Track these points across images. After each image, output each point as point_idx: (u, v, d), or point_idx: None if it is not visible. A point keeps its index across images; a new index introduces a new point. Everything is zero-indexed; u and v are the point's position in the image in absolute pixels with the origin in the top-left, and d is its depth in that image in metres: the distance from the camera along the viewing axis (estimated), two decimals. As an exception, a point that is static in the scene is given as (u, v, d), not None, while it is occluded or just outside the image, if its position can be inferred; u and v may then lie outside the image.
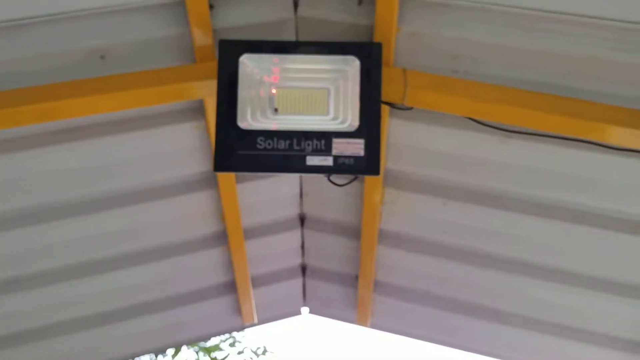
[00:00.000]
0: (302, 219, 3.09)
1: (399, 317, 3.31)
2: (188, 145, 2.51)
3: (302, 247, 3.20)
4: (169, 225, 2.78)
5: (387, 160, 2.60)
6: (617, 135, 2.08)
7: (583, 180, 2.42)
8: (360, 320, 3.39)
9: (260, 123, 1.97)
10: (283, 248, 3.17)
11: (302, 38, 2.23)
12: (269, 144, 1.94)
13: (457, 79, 2.19)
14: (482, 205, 2.63)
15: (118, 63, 2.13)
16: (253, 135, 1.95)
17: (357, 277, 3.16)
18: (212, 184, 2.66)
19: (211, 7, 2.12)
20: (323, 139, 1.94)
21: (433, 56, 2.20)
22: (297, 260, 3.27)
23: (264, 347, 6.88)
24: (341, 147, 1.94)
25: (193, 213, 2.76)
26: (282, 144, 1.94)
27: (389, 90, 2.11)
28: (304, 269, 3.34)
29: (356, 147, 1.93)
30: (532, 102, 2.09)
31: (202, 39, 2.13)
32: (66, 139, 2.31)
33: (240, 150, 1.94)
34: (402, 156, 2.58)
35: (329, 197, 2.89)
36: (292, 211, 3.04)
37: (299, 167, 1.94)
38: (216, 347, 6.75)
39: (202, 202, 2.73)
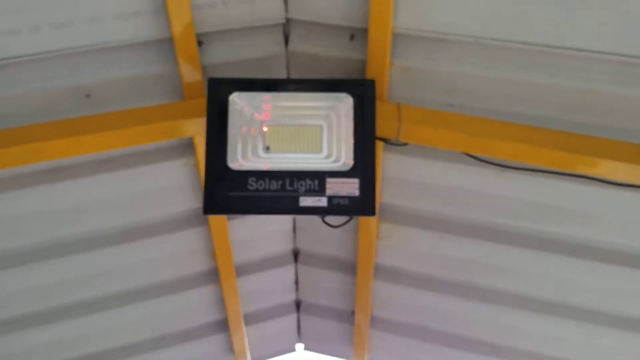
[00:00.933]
0: (296, 254, 3.01)
1: (397, 353, 3.23)
2: (177, 183, 2.44)
3: (296, 282, 3.12)
4: (159, 263, 2.70)
5: (383, 194, 2.55)
6: (615, 169, 2.04)
7: (581, 214, 2.37)
8: (357, 356, 3.29)
9: (251, 163, 1.91)
10: (276, 284, 3.09)
11: (293, 73, 2.19)
12: (261, 185, 1.88)
13: (452, 113, 2.15)
14: (479, 239, 2.57)
15: (104, 101, 2.08)
16: (244, 176, 1.89)
17: (353, 313, 3.08)
18: (203, 221, 2.59)
19: (200, 43, 2.08)
20: (316, 179, 1.88)
21: (427, 90, 2.16)
22: (292, 296, 3.19)
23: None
24: (335, 187, 1.88)
25: (183, 250, 2.68)
26: (274, 185, 1.88)
27: (383, 126, 2.07)
28: (298, 304, 3.25)
29: (351, 187, 1.87)
30: (527, 136, 2.05)
31: (191, 75, 2.08)
32: (51, 179, 2.24)
33: (230, 192, 1.88)
34: (397, 190, 2.52)
35: (323, 232, 2.83)
36: (286, 246, 2.97)
37: (292, 208, 1.87)
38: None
39: (192, 240, 2.66)
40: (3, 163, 2.05)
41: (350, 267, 2.91)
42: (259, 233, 2.83)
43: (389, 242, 2.71)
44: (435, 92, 2.16)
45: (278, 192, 1.88)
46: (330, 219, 2.13)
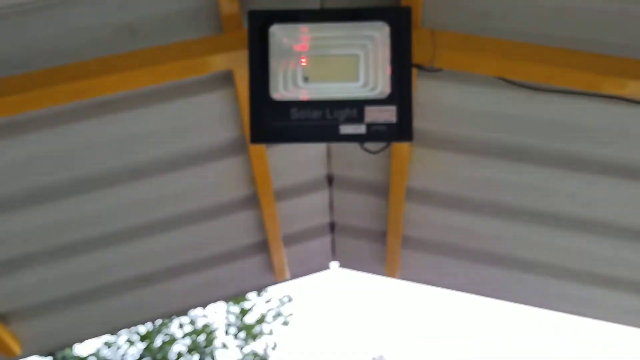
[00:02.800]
0: (330, 179, 3.14)
1: (427, 269, 3.41)
2: (217, 113, 2.55)
3: (331, 205, 3.27)
4: (203, 190, 2.86)
5: (415, 119, 2.61)
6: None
7: (610, 133, 2.42)
8: (389, 273, 3.48)
9: (292, 93, 1.99)
10: (312, 207, 3.24)
11: (327, 4, 2.22)
12: (302, 115, 1.97)
13: (486, 37, 2.17)
14: (509, 160, 2.65)
15: (146, 37, 2.14)
16: (286, 106, 1.97)
17: (385, 233, 3.23)
18: (243, 149, 2.71)
19: (236, -25, 2.10)
20: (355, 108, 1.96)
21: (461, 14, 2.17)
22: (326, 219, 3.35)
23: (289, 297, 7.10)
24: (373, 114, 1.96)
25: (225, 178, 2.82)
26: (315, 114, 1.97)
27: (417, 52, 2.09)
28: (332, 226, 3.42)
29: (389, 114, 1.95)
30: (560, 59, 2.08)
31: (229, 7, 2.12)
32: (100, 112, 2.35)
33: (274, 122, 1.97)
34: (429, 115, 2.59)
35: (356, 157, 2.93)
36: (320, 172, 3.09)
37: (333, 136, 1.97)
38: (243, 298, 6.97)
39: (233, 167, 2.79)
40: (54, 100, 2.17)
41: (382, 191, 3.03)
42: (296, 160, 2.94)
43: (421, 165, 2.81)
44: (469, 15, 2.17)
45: (319, 121, 1.97)
46: (369, 145, 2.22)
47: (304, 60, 2.02)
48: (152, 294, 3.30)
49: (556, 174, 2.61)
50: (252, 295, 7.02)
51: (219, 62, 2.21)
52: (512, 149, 2.62)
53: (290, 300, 7.05)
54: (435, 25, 2.20)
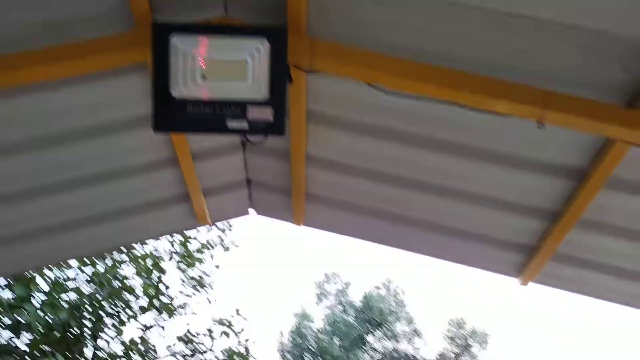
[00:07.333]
0: (244, 144, 3.62)
1: (327, 220, 4.00)
2: (137, 92, 2.97)
3: (245, 165, 3.77)
4: (129, 152, 3.32)
5: (310, 102, 3.10)
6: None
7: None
8: (296, 222, 4.07)
9: (190, 91, 2.44)
10: (230, 166, 3.74)
11: (231, 11, 2.61)
12: (197, 110, 2.44)
13: (360, 48, 2.63)
14: (390, 140, 3.19)
15: (71, 32, 2.53)
16: (183, 103, 2.43)
17: (291, 190, 3.78)
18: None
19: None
20: (240, 107, 2.44)
21: (339, 25, 2.62)
22: (242, 175, 3.86)
23: (230, 225, 7.71)
24: (254, 113, 2.44)
25: (147, 142, 3.28)
26: (207, 110, 2.44)
27: (300, 57, 2.56)
28: (249, 182, 3.94)
29: (266, 114, 2.44)
30: (412, 71, 2.58)
31: (140, 6, 2.51)
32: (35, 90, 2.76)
33: (173, 115, 2.44)
34: (322, 100, 3.08)
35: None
36: (235, 137, 3.56)
37: (221, 129, 2.45)
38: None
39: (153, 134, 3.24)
40: None
41: (288, 156, 3.55)
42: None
43: (317, 138, 3.32)
44: (348, 25, 2.62)
45: (210, 116, 2.44)
46: (250, 137, 2.71)
47: (201, 63, 2.45)
48: (91, 234, 3.81)
49: (422, 154, 3.17)
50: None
51: (133, 55, 2.62)
52: (391, 131, 3.15)
53: (230, 228, 7.66)
54: (318, 34, 2.64)
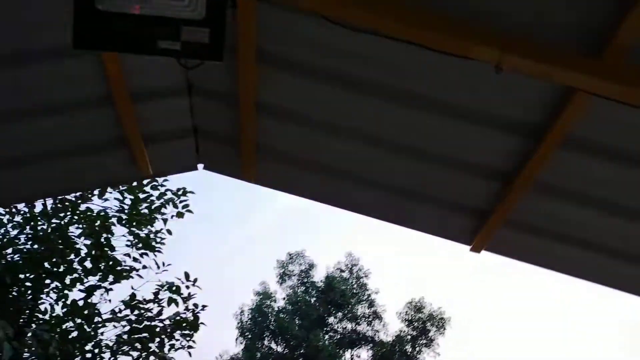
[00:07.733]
0: (190, 87, 3.36)
1: (280, 177, 3.77)
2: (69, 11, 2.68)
3: (192, 110, 3.51)
4: (57, 84, 3.03)
5: (260, 41, 2.87)
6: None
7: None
8: (246, 177, 3.83)
9: (116, 7, 2.18)
10: (173, 110, 3.48)
11: None
12: (124, 26, 2.17)
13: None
14: (341, 85, 2.98)
15: None
16: (109, 16, 2.16)
17: (240, 141, 3.54)
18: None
19: None
20: (173, 26, 2.18)
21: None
22: (188, 123, 3.60)
23: (185, 189, 7.40)
24: (189, 34, 2.19)
25: (78, 75, 2.99)
26: (136, 27, 2.17)
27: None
28: (195, 130, 3.68)
29: (202, 35, 2.19)
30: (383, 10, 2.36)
31: None
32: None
33: (97, 31, 2.17)
34: (272, 38, 2.84)
35: (214, 67, 3.15)
36: (180, 78, 3.30)
37: (151, 49, 2.19)
38: (140, 188, 7.11)
39: (87, 66, 2.96)
40: None
41: (237, 102, 3.31)
42: (154, 61, 3.13)
43: (268, 82, 3.09)
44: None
45: (139, 34, 2.18)
46: (186, 62, 2.46)
47: (133, -26, 2.18)
48: (25, 176, 3.51)
49: (374, 101, 2.97)
50: (148, 188, 7.26)
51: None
52: (349, 78, 2.94)
53: (185, 192, 7.35)
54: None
